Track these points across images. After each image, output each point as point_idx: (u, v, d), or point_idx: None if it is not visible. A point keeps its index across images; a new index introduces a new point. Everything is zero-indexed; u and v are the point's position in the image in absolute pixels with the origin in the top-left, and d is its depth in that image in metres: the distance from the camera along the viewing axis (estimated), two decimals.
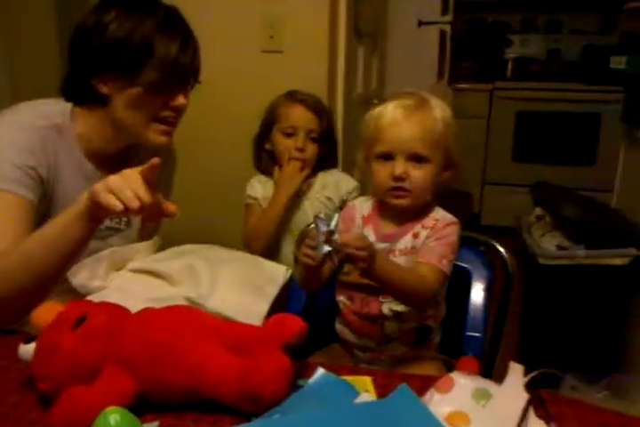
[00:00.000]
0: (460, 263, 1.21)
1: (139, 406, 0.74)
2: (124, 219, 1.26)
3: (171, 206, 0.95)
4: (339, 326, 1.24)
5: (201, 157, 2.16)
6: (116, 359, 0.76)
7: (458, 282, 1.21)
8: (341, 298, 1.21)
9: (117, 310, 0.83)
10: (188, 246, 1.22)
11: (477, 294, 1.25)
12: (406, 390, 0.73)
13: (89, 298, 1.04)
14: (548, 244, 2.16)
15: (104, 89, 1.12)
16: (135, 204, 0.88)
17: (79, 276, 1.07)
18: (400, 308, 1.13)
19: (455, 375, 0.74)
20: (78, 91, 1.15)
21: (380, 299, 1.15)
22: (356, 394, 0.75)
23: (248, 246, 1.69)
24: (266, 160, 1.73)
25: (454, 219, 1.15)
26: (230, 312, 1.02)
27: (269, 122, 1.69)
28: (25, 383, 0.80)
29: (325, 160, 1.71)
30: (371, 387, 0.80)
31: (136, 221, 1.29)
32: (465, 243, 1.21)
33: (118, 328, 0.78)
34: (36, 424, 0.73)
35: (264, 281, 1.14)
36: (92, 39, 1.09)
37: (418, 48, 3.26)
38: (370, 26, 2.59)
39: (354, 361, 1.21)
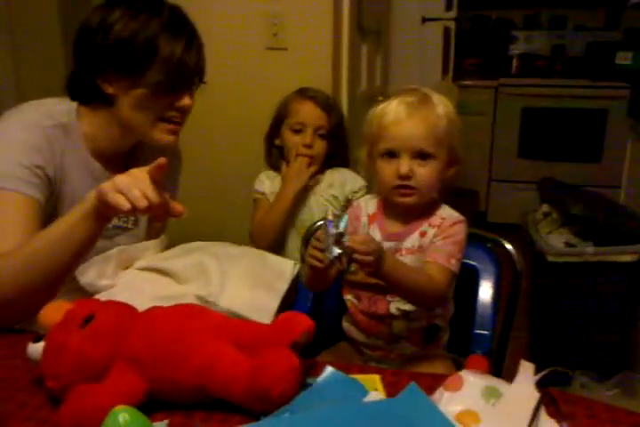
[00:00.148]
0: (467, 261, 1.21)
1: (148, 404, 0.74)
2: (132, 218, 1.26)
3: (178, 206, 0.95)
4: (346, 325, 1.24)
5: (206, 154, 2.16)
6: (124, 358, 0.76)
7: (466, 280, 1.20)
8: (349, 297, 1.21)
9: (125, 309, 0.83)
10: (195, 244, 1.22)
11: (485, 291, 1.24)
12: (415, 389, 0.73)
13: (97, 297, 1.04)
14: (556, 241, 2.15)
15: (109, 89, 1.12)
16: (143, 203, 0.88)
17: (87, 274, 1.07)
18: (408, 307, 1.13)
19: (464, 374, 0.74)
20: (83, 90, 1.15)
21: (388, 298, 1.14)
22: (365, 393, 0.75)
23: (254, 241, 1.71)
24: (276, 156, 1.74)
25: (461, 217, 1.14)
26: (241, 310, 1.02)
27: (279, 118, 1.70)
28: (34, 382, 0.80)
29: (334, 158, 1.71)
30: (379, 385, 0.80)
31: (144, 219, 1.29)
32: (472, 240, 1.20)
33: (126, 327, 0.78)
34: (45, 423, 0.73)
35: (273, 277, 1.14)
36: (97, 39, 1.09)
37: (422, 45, 3.25)
38: (373, 23, 2.58)
39: (362, 360, 1.21)
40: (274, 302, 1.06)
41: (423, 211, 1.14)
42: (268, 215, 1.68)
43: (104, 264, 1.09)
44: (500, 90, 3.92)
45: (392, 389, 0.78)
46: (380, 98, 1.14)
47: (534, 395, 0.72)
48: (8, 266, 0.97)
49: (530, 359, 0.76)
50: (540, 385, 0.74)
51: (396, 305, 1.14)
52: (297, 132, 1.66)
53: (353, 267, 1.05)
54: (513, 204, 3.64)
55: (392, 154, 1.09)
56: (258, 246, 1.69)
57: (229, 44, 2.10)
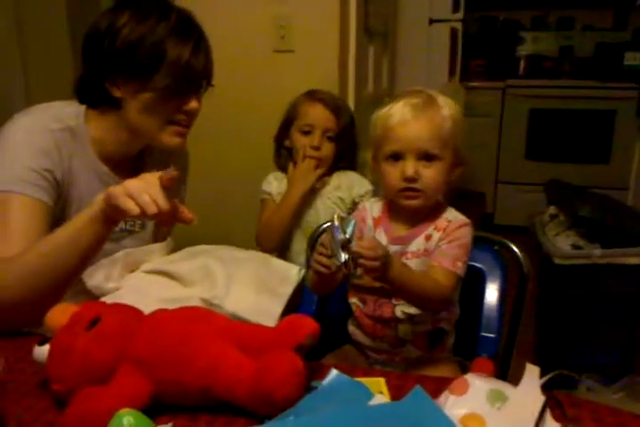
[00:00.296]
0: (473, 263, 1.20)
1: (153, 407, 0.74)
2: (139, 221, 1.26)
3: (188, 213, 0.96)
4: (351, 328, 1.24)
5: (213, 156, 2.17)
6: (129, 361, 0.76)
7: (472, 282, 1.20)
8: (354, 300, 1.21)
9: (131, 312, 0.83)
10: (201, 247, 1.22)
11: (492, 294, 1.24)
12: (420, 392, 0.72)
13: (103, 299, 1.04)
14: (563, 243, 2.14)
15: (117, 93, 1.12)
16: (152, 209, 0.89)
17: (94, 277, 1.07)
18: (413, 310, 1.12)
19: (470, 377, 0.74)
20: (91, 94, 1.16)
21: (393, 301, 1.14)
22: (370, 396, 0.75)
23: (259, 242, 1.71)
24: (284, 157, 1.74)
25: (466, 220, 1.14)
26: (246, 313, 1.02)
27: (289, 119, 1.70)
28: (40, 385, 0.81)
29: (342, 160, 1.71)
30: (385, 388, 0.80)
31: (150, 223, 1.29)
32: (479, 243, 1.19)
33: (132, 330, 0.78)
34: (50, 426, 0.74)
35: (278, 281, 1.14)
36: (105, 43, 1.09)
37: (429, 46, 3.25)
38: (380, 24, 2.58)
39: (367, 363, 1.21)
40: (278, 307, 1.06)
41: (428, 214, 1.14)
42: (274, 216, 1.68)
43: (110, 267, 1.09)
44: (507, 91, 3.90)
45: (397, 392, 0.78)
46: (387, 99, 1.14)
47: (540, 398, 0.72)
48: (16, 269, 0.98)
49: (536, 362, 0.76)
50: (546, 389, 0.74)
51: (402, 308, 1.13)
52: (305, 133, 1.66)
53: (359, 271, 1.05)
54: (520, 206, 3.63)
55: (397, 156, 1.09)
56: (263, 247, 1.70)
57: (237, 47, 2.11)
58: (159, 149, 1.25)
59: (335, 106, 1.67)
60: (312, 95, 1.69)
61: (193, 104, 1.15)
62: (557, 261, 2.06)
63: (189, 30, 1.13)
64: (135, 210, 0.89)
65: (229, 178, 2.24)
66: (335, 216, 0.94)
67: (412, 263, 1.11)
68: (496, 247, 1.31)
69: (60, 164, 1.11)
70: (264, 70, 2.15)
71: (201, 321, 0.80)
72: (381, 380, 0.82)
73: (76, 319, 0.79)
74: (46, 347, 0.79)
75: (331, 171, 1.72)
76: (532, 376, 0.74)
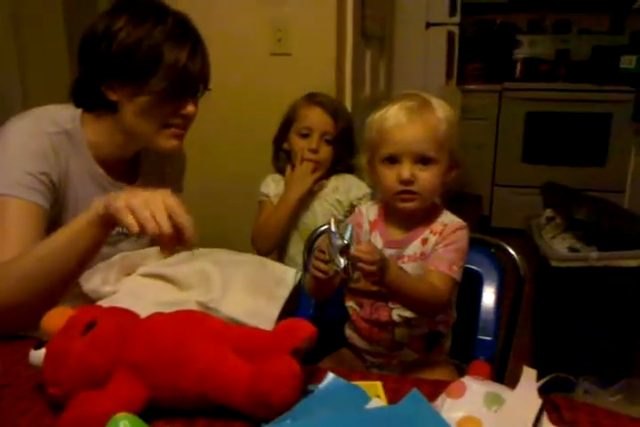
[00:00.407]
0: (470, 266, 1.20)
1: (149, 411, 0.74)
2: None
3: (190, 237, 0.92)
4: (348, 332, 1.24)
5: (211, 159, 2.17)
6: (125, 365, 0.76)
7: (468, 285, 1.20)
8: (350, 304, 1.21)
9: (127, 315, 0.83)
10: (198, 250, 1.22)
11: (488, 297, 1.24)
12: (417, 396, 0.72)
13: (99, 303, 1.04)
14: (560, 246, 2.14)
15: (113, 96, 1.12)
16: (152, 227, 0.87)
17: (90, 281, 1.07)
18: (409, 314, 1.12)
19: (467, 380, 0.73)
20: (88, 97, 1.16)
21: (390, 305, 1.14)
22: (367, 399, 0.74)
23: (255, 243, 1.72)
24: (283, 159, 1.75)
25: (462, 223, 1.14)
26: (242, 317, 1.02)
27: (288, 122, 1.71)
28: (36, 389, 0.80)
29: (340, 164, 1.72)
30: (381, 392, 0.80)
31: None
32: (475, 245, 1.19)
33: (128, 333, 0.78)
34: None
35: (274, 284, 1.13)
36: (101, 46, 1.09)
37: (426, 50, 3.27)
38: (377, 28, 2.59)
39: (364, 366, 1.21)
40: (275, 310, 1.06)
41: (424, 217, 1.14)
42: (271, 218, 1.69)
43: (107, 271, 1.09)
44: (503, 94, 3.92)
45: (394, 395, 0.78)
46: (384, 103, 1.14)
47: (537, 401, 0.72)
48: (11, 272, 0.97)
49: (533, 365, 0.76)
50: (543, 392, 0.74)
51: (398, 312, 1.13)
52: (304, 136, 1.67)
53: (356, 275, 1.05)
54: (516, 208, 3.64)
55: (393, 159, 1.09)
56: (259, 249, 1.70)
57: (234, 50, 2.11)
58: (155, 151, 1.25)
59: (334, 109, 1.67)
60: (311, 98, 1.70)
61: (189, 108, 1.15)
62: (554, 263, 2.07)
63: (186, 34, 1.13)
64: (134, 227, 0.87)
65: (227, 179, 2.24)
66: (332, 221, 0.94)
67: (409, 267, 1.11)
68: (493, 250, 1.31)
69: (56, 166, 1.11)
70: (261, 73, 2.16)
71: (197, 325, 0.80)
72: (378, 383, 0.81)
73: (72, 323, 0.79)
74: (42, 351, 0.78)
75: (329, 174, 1.72)
76: (529, 379, 0.74)
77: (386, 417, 0.70)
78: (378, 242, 1.14)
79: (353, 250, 0.93)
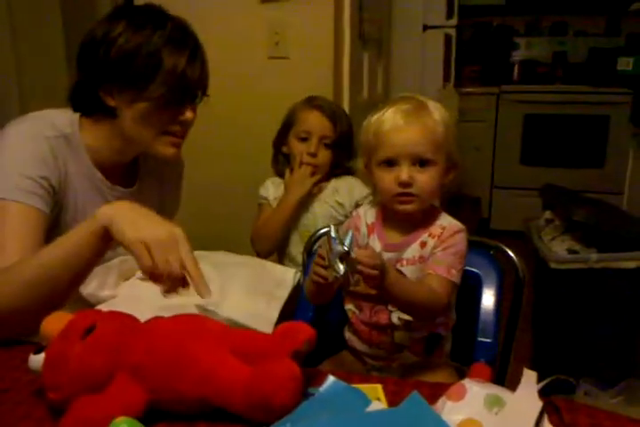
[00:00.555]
0: (470, 268, 1.20)
1: (149, 415, 0.73)
2: None
3: (205, 290, 0.95)
4: (348, 335, 1.23)
5: (209, 161, 2.17)
6: (125, 369, 0.76)
7: (468, 287, 1.20)
8: (350, 307, 1.20)
9: (126, 319, 0.83)
10: (196, 253, 1.22)
11: (488, 299, 1.24)
12: (417, 398, 0.72)
13: (98, 307, 1.04)
14: (559, 248, 2.14)
15: (111, 102, 1.12)
16: (165, 272, 0.91)
17: (89, 285, 1.06)
18: (409, 317, 1.12)
19: (467, 383, 0.73)
20: (86, 102, 1.16)
21: (389, 308, 1.13)
22: (368, 402, 0.74)
23: (254, 246, 1.73)
24: (282, 162, 1.76)
25: (461, 226, 1.13)
26: (242, 319, 1.01)
27: (287, 126, 1.72)
28: (35, 394, 0.80)
29: (339, 167, 1.72)
30: (382, 395, 0.80)
31: None
32: (474, 247, 1.20)
33: (127, 337, 0.78)
34: None
35: (273, 285, 1.14)
36: (100, 52, 1.09)
37: (423, 52, 3.27)
38: (374, 31, 2.59)
39: (365, 369, 1.20)
40: (274, 311, 1.06)
41: (422, 220, 1.14)
42: (270, 221, 1.69)
43: (106, 275, 1.09)
44: (501, 97, 3.93)
45: (394, 398, 0.78)
46: (381, 105, 1.14)
47: (537, 404, 0.72)
48: (14, 278, 0.96)
49: (533, 367, 0.76)
50: (543, 394, 0.74)
51: (398, 315, 1.13)
52: (302, 140, 1.67)
53: (356, 277, 1.05)
54: (515, 210, 3.64)
55: (391, 162, 1.08)
56: (258, 251, 1.71)
57: (231, 54, 2.11)
58: (154, 156, 1.25)
59: (333, 113, 1.68)
60: (310, 102, 1.70)
61: (188, 114, 1.15)
62: (553, 265, 2.06)
63: (185, 40, 1.12)
64: (147, 265, 0.90)
65: (226, 183, 2.24)
66: (332, 227, 0.94)
67: (407, 270, 1.11)
68: (492, 252, 1.31)
69: (56, 170, 1.11)
70: (259, 77, 2.16)
71: (197, 328, 0.80)
72: (378, 386, 0.81)
73: (72, 327, 0.78)
74: (42, 355, 0.78)
75: (328, 177, 1.73)
76: (529, 381, 0.74)
77: (386, 420, 0.70)
78: (376, 245, 1.14)
79: (353, 254, 0.92)
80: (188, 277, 0.94)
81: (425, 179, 1.08)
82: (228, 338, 0.79)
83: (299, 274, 1.19)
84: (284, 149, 1.73)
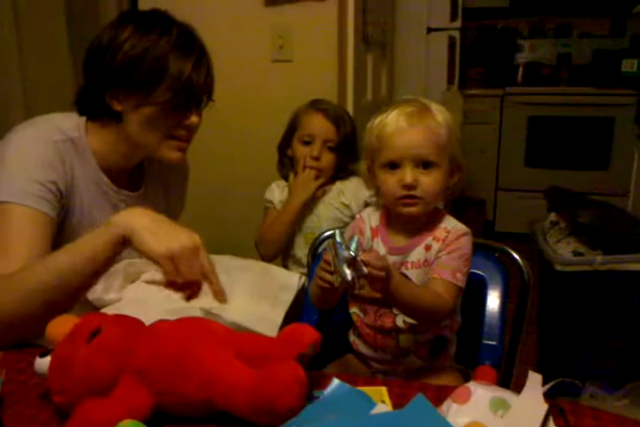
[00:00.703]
0: (475, 271, 1.20)
1: (155, 418, 0.74)
2: None
3: (223, 297, 0.97)
4: (352, 338, 1.23)
5: (214, 164, 2.18)
6: (130, 372, 0.76)
7: (473, 290, 1.19)
8: (354, 310, 1.20)
9: (131, 323, 0.83)
10: None
11: (493, 301, 1.24)
12: (422, 400, 0.72)
13: (103, 310, 1.04)
14: (564, 250, 2.14)
15: (117, 106, 1.13)
16: (186, 277, 0.94)
17: (94, 289, 1.07)
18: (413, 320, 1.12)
19: (472, 385, 0.73)
20: (92, 106, 1.16)
21: (394, 311, 1.13)
22: (372, 405, 0.74)
23: (259, 249, 1.74)
24: (287, 166, 1.76)
25: (466, 229, 1.13)
26: (246, 322, 1.02)
27: (291, 129, 1.72)
28: (41, 397, 0.80)
29: (343, 170, 1.72)
30: (386, 397, 0.80)
31: None
32: (479, 250, 1.19)
33: (132, 341, 0.78)
34: None
35: (278, 289, 1.14)
36: (106, 57, 1.10)
37: (427, 55, 3.27)
38: (378, 33, 2.59)
39: (370, 372, 1.20)
40: (279, 314, 1.06)
41: (427, 222, 1.13)
42: (274, 224, 1.70)
43: (111, 278, 1.09)
44: (505, 99, 3.92)
45: (399, 400, 0.78)
46: (384, 108, 1.14)
47: (542, 406, 0.72)
48: (28, 281, 0.96)
49: (538, 370, 0.75)
50: (549, 396, 0.73)
51: (403, 318, 1.12)
52: (306, 143, 1.68)
53: (361, 281, 1.04)
54: (520, 213, 3.64)
55: (394, 165, 1.08)
56: (263, 254, 1.72)
57: (235, 57, 2.12)
58: (159, 160, 1.25)
59: (336, 116, 1.68)
60: (313, 105, 1.70)
61: (193, 119, 1.16)
62: (558, 267, 2.06)
63: (191, 45, 1.13)
64: (172, 274, 0.93)
65: (231, 186, 2.25)
66: (337, 232, 0.93)
67: (412, 274, 1.11)
68: (497, 254, 1.31)
69: (63, 174, 1.11)
70: (263, 80, 2.17)
71: (201, 332, 0.80)
72: (383, 389, 0.81)
73: (77, 331, 0.79)
74: (48, 359, 0.78)
75: (332, 180, 1.73)
76: (534, 384, 0.74)
77: (391, 422, 0.70)
78: (380, 249, 1.14)
79: (360, 262, 0.91)
80: (206, 284, 0.95)
81: (429, 181, 1.08)
82: (232, 341, 0.79)
83: (303, 278, 1.19)
84: (289, 153, 1.74)
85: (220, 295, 0.96)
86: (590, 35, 4.27)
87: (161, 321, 0.83)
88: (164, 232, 0.95)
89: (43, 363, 0.79)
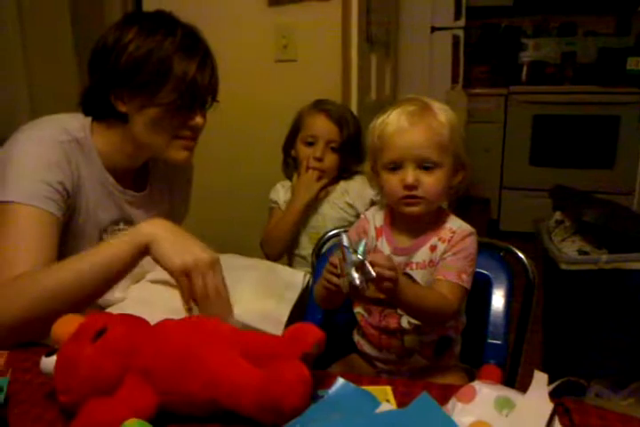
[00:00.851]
0: (480, 270, 1.20)
1: (160, 418, 0.74)
2: None
3: (229, 316, 0.99)
4: (357, 338, 1.23)
5: (217, 165, 2.18)
6: (136, 371, 0.76)
7: (478, 289, 1.19)
8: (359, 310, 1.20)
9: (136, 322, 0.83)
10: None
11: (498, 300, 1.23)
12: (427, 399, 0.72)
13: (109, 310, 1.04)
14: (569, 249, 2.13)
15: (122, 107, 1.13)
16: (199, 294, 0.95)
17: None
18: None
19: (477, 384, 0.73)
20: (97, 107, 1.16)
21: (399, 312, 1.13)
22: (377, 404, 0.74)
23: (264, 249, 1.75)
24: (291, 166, 1.76)
25: (471, 229, 1.12)
26: (251, 321, 1.02)
27: (294, 130, 1.73)
28: (47, 397, 0.81)
29: (347, 171, 1.72)
30: (391, 396, 0.80)
31: None
32: (484, 249, 1.19)
33: (137, 340, 0.78)
34: None
35: (283, 287, 1.14)
36: (111, 58, 1.10)
37: (431, 54, 3.27)
38: (382, 33, 2.59)
39: (374, 372, 1.20)
40: (284, 312, 1.06)
41: (431, 222, 1.13)
42: (278, 225, 1.70)
43: None
44: (510, 98, 3.91)
45: (404, 399, 0.78)
46: (388, 107, 1.14)
47: (548, 405, 0.71)
48: (46, 282, 0.97)
49: (544, 369, 0.75)
50: (554, 395, 0.73)
51: (407, 319, 1.12)
52: (309, 144, 1.68)
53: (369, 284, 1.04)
54: (525, 212, 3.63)
55: (396, 165, 1.07)
56: (267, 254, 1.72)
57: (239, 57, 2.12)
58: (165, 161, 1.25)
59: (339, 117, 1.67)
60: (317, 106, 1.70)
61: (198, 119, 1.16)
62: (564, 266, 2.05)
63: (195, 46, 1.13)
64: (187, 291, 0.95)
65: (235, 186, 2.25)
66: (343, 236, 0.93)
67: (417, 274, 1.10)
68: (502, 254, 1.30)
69: (69, 175, 1.12)
70: (267, 80, 2.17)
71: (207, 331, 0.80)
72: (388, 388, 0.81)
73: (83, 330, 0.79)
74: (53, 358, 0.78)
75: (336, 180, 1.73)
76: (540, 383, 0.74)
77: (396, 421, 0.70)
78: (385, 249, 1.13)
79: (369, 266, 0.91)
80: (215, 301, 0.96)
81: (431, 181, 1.07)
82: (237, 340, 0.79)
83: (308, 276, 1.19)
84: (293, 153, 1.74)
85: (226, 315, 0.98)
86: (595, 33, 4.25)
87: (166, 320, 0.83)
88: (181, 245, 0.97)
89: (48, 362, 0.79)
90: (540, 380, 0.74)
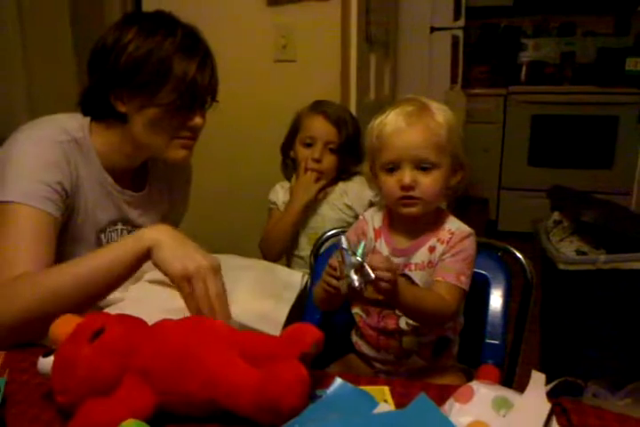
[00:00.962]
0: (477, 270, 1.20)
1: (158, 418, 0.74)
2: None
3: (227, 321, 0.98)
4: (355, 339, 1.23)
5: (216, 165, 2.18)
6: (133, 371, 0.76)
7: (476, 289, 1.19)
8: (357, 311, 1.20)
9: (134, 322, 0.83)
10: None
11: (496, 301, 1.24)
12: (425, 399, 0.72)
13: (106, 310, 1.04)
14: (567, 249, 2.13)
15: (122, 108, 1.13)
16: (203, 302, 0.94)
17: None
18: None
19: (475, 385, 0.73)
20: (96, 107, 1.16)
21: (397, 313, 1.12)
22: (375, 404, 0.74)
23: (262, 249, 1.75)
24: (290, 167, 1.77)
25: (469, 230, 1.12)
26: (250, 321, 1.02)
27: (293, 131, 1.73)
28: (44, 397, 0.81)
29: (346, 172, 1.72)
30: (389, 397, 0.80)
31: None
32: (482, 249, 1.19)
33: (135, 340, 0.78)
34: None
35: (281, 287, 1.14)
36: (111, 58, 1.10)
37: (430, 54, 3.27)
38: (381, 33, 2.60)
39: (372, 372, 1.20)
40: (282, 312, 1.06)
41: (430, 223, 1.12)
42: (277, 226, 1.70)
43: None
44: (509, 98, 3.92)
45: (402, 400, 0.78)
46: (387, 107, 1.14)
47: (545, 406, 0.71)
48: (45, 285, 0.97)
49: (541, 369, 0.75)
50: (552, 396, 0.73)
51: (406, 320, 1.12)
52: (307, 145, 1.68)
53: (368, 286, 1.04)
54: (523, 212, 3.63)
55: (394, 165, 1.07)
56: (266, 255, 1.72)
57: (238, 57, 2.12)
58: (163, 161, 1.25)
59: (337, 118, 1.67)
60: (315, 107, 1.70)
61: (197, 120, 1.16)
62: (562, 266, 2.05)
63: (195, 46, 1.13)
64: (186, 292, 0.94)
65: (233, 186, 2.25)
66: (342, 239, 0.93)
67: (416, 275, 1.10)
68: (500, 254, 1.31)
69: (69, 175, 1.12)
70: (266, 80, 2.17)
71: (205, 331, 0.80)
72: (385, 388, 0.81)
73: (80, 330, 0.79)
74: (51, 358, 0.78)
75: (335, 181, 1.73)
76: (537, 383, 0.74)
77: (394, 422, 0.70)
78: (383, 250, 1.13)
79: (368, 269, 0.91)
80: (214, 306, 0.96)
81: (428, 182, 1.06)
82: (235, 340, 0.79)
83: (306, 276, 1.19)
84: (292, 154, 1.74)
85: (224, 320, 0.97)
86: (594, 33, 4.25)
87: (164, 321, 0.83)
88: (183, 251, 0.96)
89: (46, 363, 0.79)
90: (537, 380, 0.74)
